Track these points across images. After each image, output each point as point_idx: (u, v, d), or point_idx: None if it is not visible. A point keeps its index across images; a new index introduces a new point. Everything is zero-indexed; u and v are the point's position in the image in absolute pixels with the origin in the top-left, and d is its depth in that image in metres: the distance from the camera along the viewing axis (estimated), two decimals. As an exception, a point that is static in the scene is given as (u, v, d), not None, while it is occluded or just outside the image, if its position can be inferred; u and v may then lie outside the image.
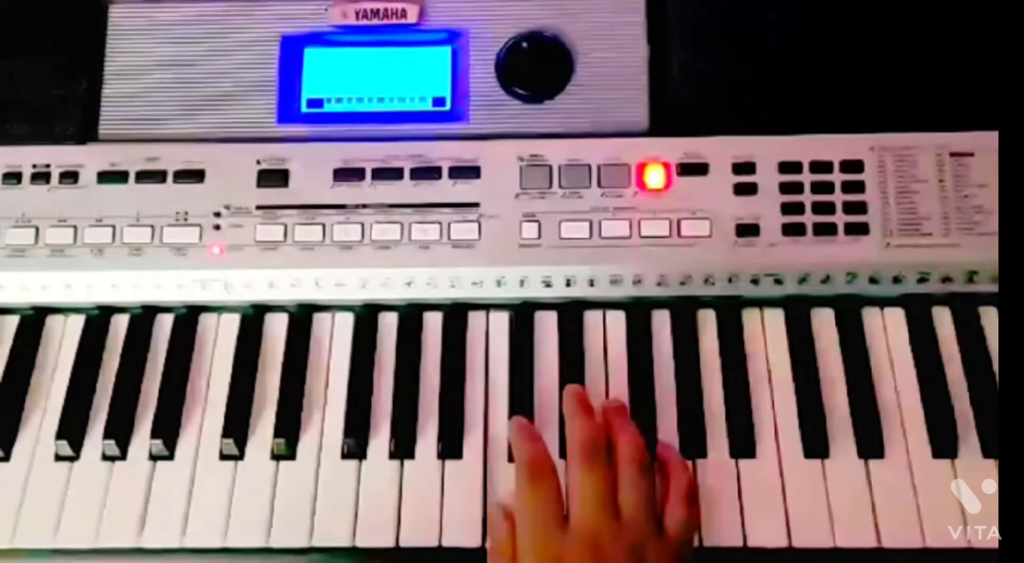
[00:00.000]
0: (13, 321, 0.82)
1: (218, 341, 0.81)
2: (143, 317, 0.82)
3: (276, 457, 0.75)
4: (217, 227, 0.79)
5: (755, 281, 0.78)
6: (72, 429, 0.76)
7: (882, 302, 0.80)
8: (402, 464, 0.75)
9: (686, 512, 0.69)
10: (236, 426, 0.76)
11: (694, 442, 0.75)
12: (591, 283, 0.79)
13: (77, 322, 0.82)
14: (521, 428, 0.73)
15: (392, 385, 0.78)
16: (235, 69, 0.83)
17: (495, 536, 0.70)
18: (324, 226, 0.79)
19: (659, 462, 0.72)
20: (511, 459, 0.74)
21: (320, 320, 0.81)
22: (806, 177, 0.78)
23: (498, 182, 0.79)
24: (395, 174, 0.80)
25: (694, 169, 0.79)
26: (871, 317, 0.80)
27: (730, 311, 0.80)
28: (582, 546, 0.66)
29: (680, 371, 0.78)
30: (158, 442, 0.75)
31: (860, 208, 0.78)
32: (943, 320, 0.79)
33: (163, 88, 0.83)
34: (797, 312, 0.80)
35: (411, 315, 0.81)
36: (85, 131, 0.82)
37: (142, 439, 0.76)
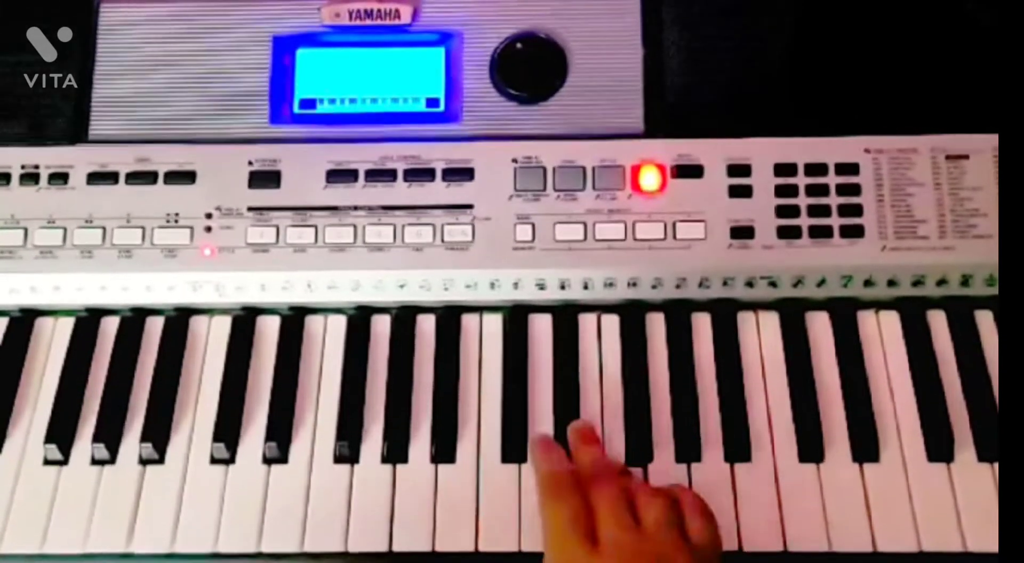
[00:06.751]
0: (1, 323, 0.81)
1: (209, 344, 0.80)
2: (133, 319, 0.81)
3: (268, 461, 0.75)
4: (208, 229, 0.78)
5: (750, 284, 0.78)
6: (61, 433, 0.76)
7: (877, 305, 0.80)
8: (395, 468, 0.75)
9: (705, 522, 0.67)
10: (227, 430, 0.76)
11: (689, 446, 0.74)
12: (585, 286, 0.78)
13: (66, 324, 0.81)
14: (540, 445, 0.73)
15: (385, 388, 0.78)
16: (227, 69, 0.82)
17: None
18: (316, 228, 0.78)
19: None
20: (504, 461, 0.74)
21: (312, 323, 0.81)
22: (801, 180, 0.78)
23: (492, 184, 0.79)
24: (388, 175, 0.79)
25: (689, 171, 0.79)
26: (866, 320, 0.80)
27: (725, 314, 0.80)
28: (609, 560, 0.65)
29: (674, 374, 0.77)
30: (148, 446, 0.75)
31: (855, 211, 0.77)
32: (938, 323, 0.79)
33: (154, 88, 0.82)
34: (792, 315, 0.80)
35: (404, 318, 0.80)
36: (75, 132, 0.82)
37: (132, 443, 0.76)
